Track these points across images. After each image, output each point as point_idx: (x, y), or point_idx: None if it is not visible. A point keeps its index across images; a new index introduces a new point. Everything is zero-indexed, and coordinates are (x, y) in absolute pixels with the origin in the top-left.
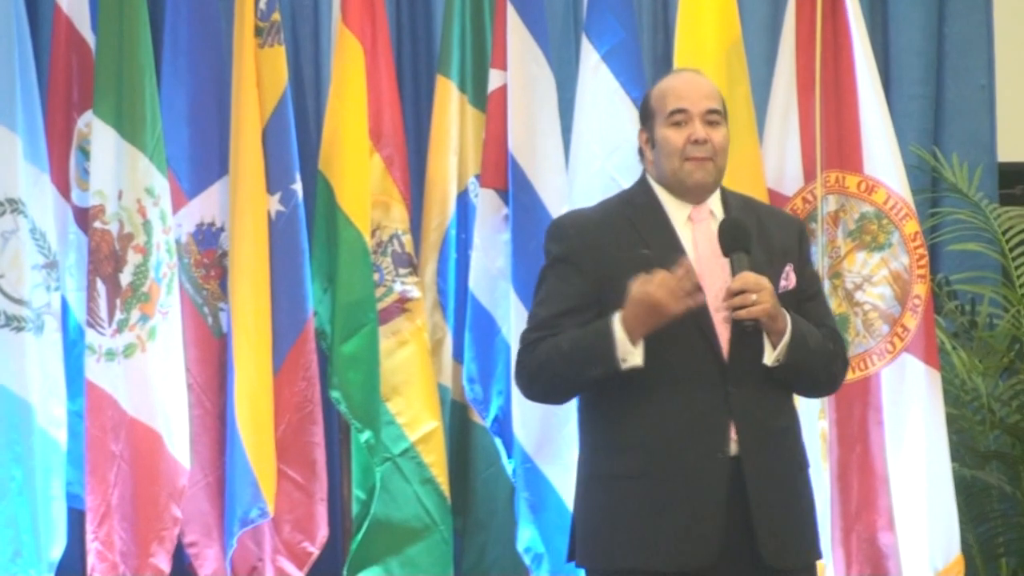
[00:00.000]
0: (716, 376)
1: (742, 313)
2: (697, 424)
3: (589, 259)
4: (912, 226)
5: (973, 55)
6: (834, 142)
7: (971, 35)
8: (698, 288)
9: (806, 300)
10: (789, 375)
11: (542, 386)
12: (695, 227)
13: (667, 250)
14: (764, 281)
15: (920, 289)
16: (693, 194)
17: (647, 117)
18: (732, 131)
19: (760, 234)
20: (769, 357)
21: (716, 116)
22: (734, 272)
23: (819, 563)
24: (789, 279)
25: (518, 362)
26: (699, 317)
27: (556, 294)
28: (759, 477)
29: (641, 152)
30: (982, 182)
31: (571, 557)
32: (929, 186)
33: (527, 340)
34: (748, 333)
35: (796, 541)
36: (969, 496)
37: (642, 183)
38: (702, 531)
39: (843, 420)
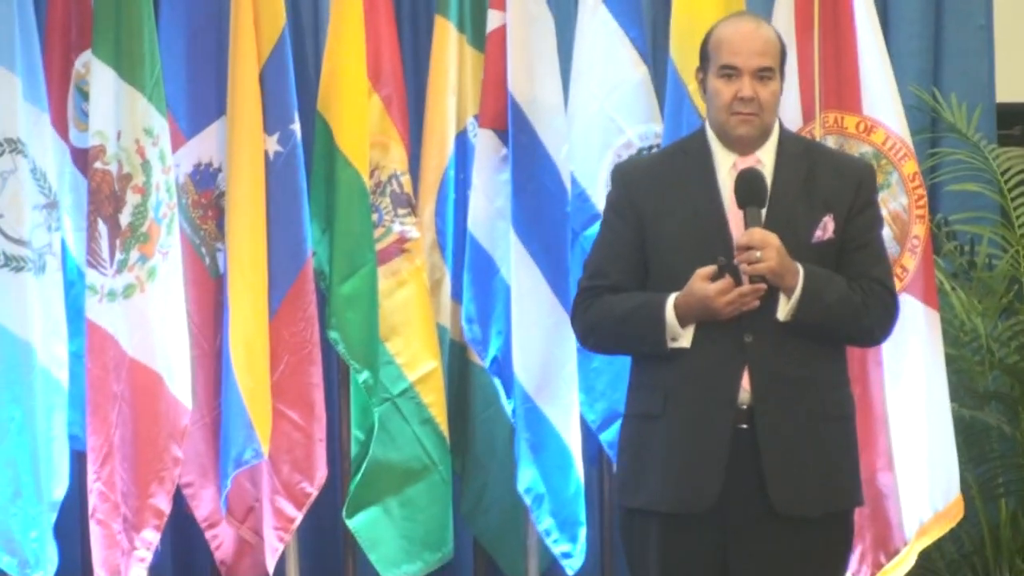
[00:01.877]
0: (734, 325)
1: (747, 269)
2: (711, 370)
3: (633, 208)
4: (911, 166)
5: None
6: (832, 82)
7: None
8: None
9: (853, 250)
10: (808, 329)
11: (594, 343)
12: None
13: (705, 199)
14: (771, 238)
15: (919, 229)
16: (739, 145)
17: (704, 59)
18: None
19: (807, 183)
20: (781, 312)
21: (767, 73)
22: (747, 226)
23: None
24: (826, 230)
25: (573, 310)
26: (725, 268)
27: (604, 242)
28: (772, 425)
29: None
30: (981, 122)
31: None
32: (928, 126)
33: (581, 288)
34: (771, 286)
35: (814, 489)
36: (968, 437)
37: (700, 131)
38: (703, 475)
39: None
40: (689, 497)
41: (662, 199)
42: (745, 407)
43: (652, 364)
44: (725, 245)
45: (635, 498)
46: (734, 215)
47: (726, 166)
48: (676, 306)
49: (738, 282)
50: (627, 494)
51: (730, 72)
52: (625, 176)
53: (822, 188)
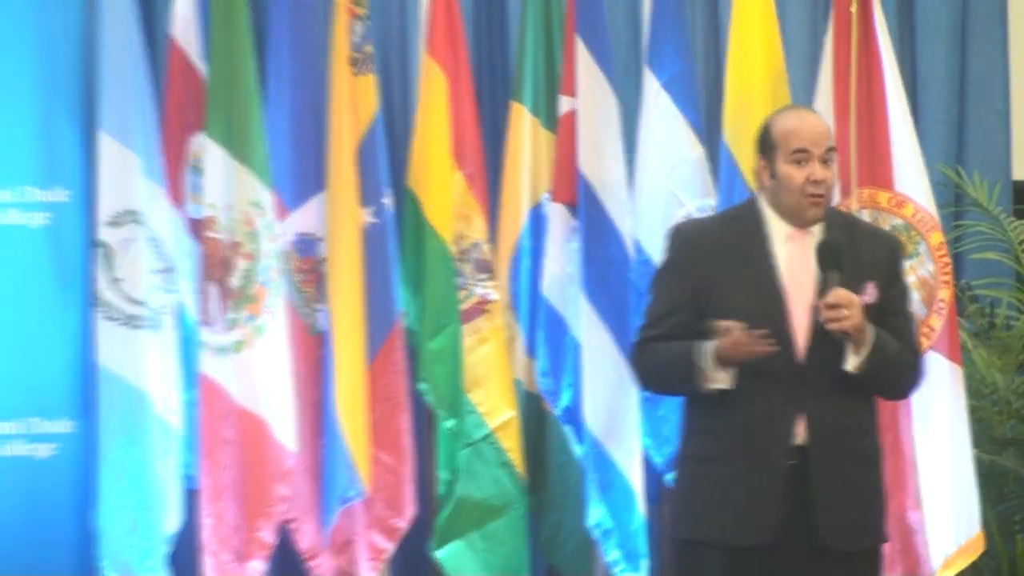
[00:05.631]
0: (791, 376)
1: (834, 325)
2: (768, 416)
3: (691, 267)
4: (937, 237)
5: (991, 84)
6: (867, 162)
7: (989, 66)
8: (770, 341)
9: (891, 314)
10: (867, 381)
11: (652, 387)
12: (791, 245)
13: (760, 265)
14: (855, 298)
15: (944, 294)
16: (805, 224)
17: (767, 148)
18: None
19: (852, 251)
20: (851, 364)
21: (831, 155)
22: (828, 287)
23: None
24: (871, 295)
25: (631, 357)
26: (780, 325)
27: (662, 296)
28: (824, 468)
29: (758, 174)
30: (1000, 198)
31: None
32: (952, 201)
33: (639, 337)
34: (825, 341)
35: (858, 527)
36: (988, 479)
37: (752, 201)
38: (759, 512)
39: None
40: (748, 531)
41: (720, 263)
42: (796, 446)
43: (710, 411)
44: (781, 312)
45: (694, 531)
46: (788, 276)
47: (780, 236)
48: (718, 353)
49: (791, 337)
50: (685, 527)
51: (802, 157)
52: (684, 238)
53: (865, 258)
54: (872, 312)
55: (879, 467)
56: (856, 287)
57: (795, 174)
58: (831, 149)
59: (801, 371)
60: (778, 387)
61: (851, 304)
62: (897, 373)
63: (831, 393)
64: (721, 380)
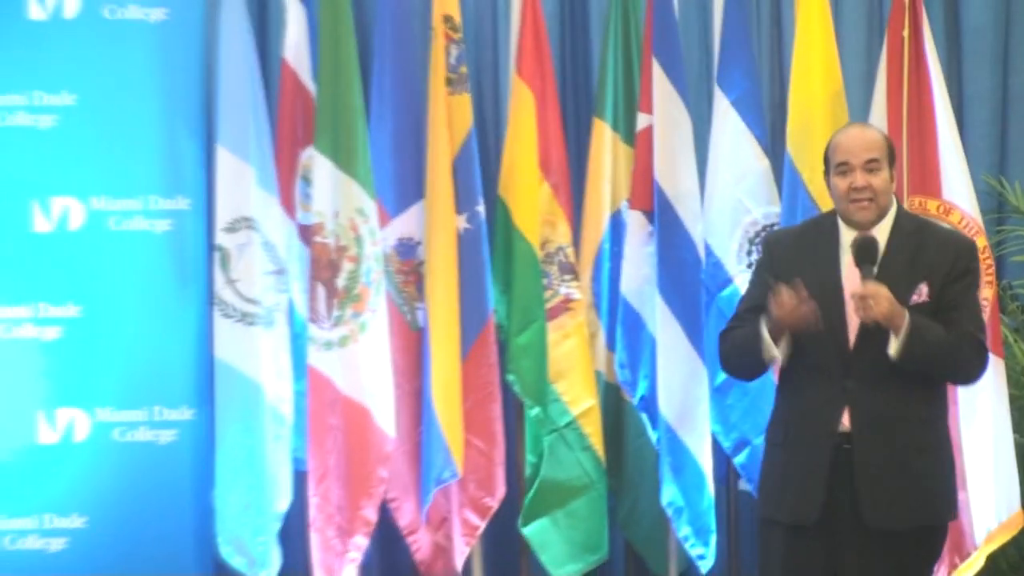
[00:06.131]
0: (840, 370)
1: (862, 315)
2: (818, 406)
3: (772, 268)
4: (981, 241)
5: None
6: (918, 172)
7: None
8: (809, 299)
9: (950, 309)
10: (913, 364)
11: (731, 367)
12: None
13: (825, 266)
14: (883, 290)
15: (988, 293)
16: (859, 227)
17: (825, 164)
18: None
19: (915, 253)
20: (892, 349)
21: (875, 164)
22: (862, 280)
23: None
24: (920, 294)
25: (718, 346)
26: (835, 320)
27: (749, 294)
28: (866, 453)
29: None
30: None
31: None
32: (995, 208)
33: (724, 329)
34: (875, 337)
35: (902, 510)
36: None
37: (833, 211)
38: (807, 492)
39: None
40: (798, 509)
41: (795, 264)
42: (846, 433)
43: (781, 401)
44: (837, 308)
45: (762, 509)
46: (848, 279)
47: (847, 241)
48: (768, 326)
49: (843, 334)
50: (759, 506)
51: (844, 168)
52: (769, 243)
53: (926, 260)
54: (929, 307)
55: (932, 454)
56: (909, 285)
57: (840, 184)
58: (872, 160)
59: (851, 363)
60: (829, 378)
61: (877, 295)
62: (943, 355)
63: (879, 385)
64: (774, 352)
